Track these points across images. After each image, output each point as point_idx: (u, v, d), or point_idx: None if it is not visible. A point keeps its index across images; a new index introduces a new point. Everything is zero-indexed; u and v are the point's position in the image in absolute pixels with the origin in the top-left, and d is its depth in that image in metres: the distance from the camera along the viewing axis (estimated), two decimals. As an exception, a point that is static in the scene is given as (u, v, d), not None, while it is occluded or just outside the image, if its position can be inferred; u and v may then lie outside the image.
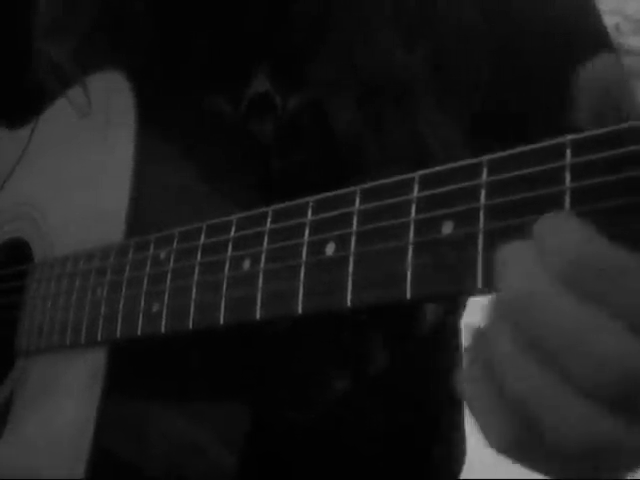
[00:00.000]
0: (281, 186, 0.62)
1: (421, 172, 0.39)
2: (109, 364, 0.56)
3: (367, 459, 0.69)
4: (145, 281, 0.53)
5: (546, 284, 0.32)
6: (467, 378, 0.35)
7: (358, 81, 0.61)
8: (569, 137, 0.33)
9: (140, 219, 0.58)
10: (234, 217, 0.48)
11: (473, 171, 0.37)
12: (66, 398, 0.60)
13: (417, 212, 0.38)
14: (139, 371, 0.57)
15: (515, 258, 0.33)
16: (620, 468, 0.34)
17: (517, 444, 0.34)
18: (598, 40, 0.65)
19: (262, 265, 0.45)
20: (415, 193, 0.39)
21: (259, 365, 0.61)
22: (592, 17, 0.65)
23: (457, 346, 0.74)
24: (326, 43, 0.61)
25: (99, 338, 0.56)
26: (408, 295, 0.38)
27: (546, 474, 0.35)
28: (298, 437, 0.65)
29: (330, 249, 0.41)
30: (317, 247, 0.42)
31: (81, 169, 0.65)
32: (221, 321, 0.47)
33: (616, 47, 0.67)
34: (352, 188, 0.41)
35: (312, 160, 0.62)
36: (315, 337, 0.62)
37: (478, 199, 0.36)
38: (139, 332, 0.53)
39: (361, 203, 0.41)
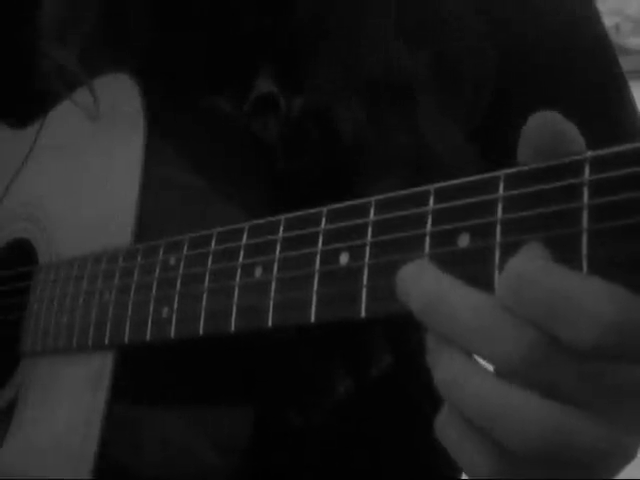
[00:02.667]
0: (286, 187, 0.62)
1: (437, 185, 0.39)
2: (115, 367, 0.56)
3: (370, 460, 0.69)
4: (154, 286, 0.53)
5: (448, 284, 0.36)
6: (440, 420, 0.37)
7: (361, 83, 0.61)
8: (588, 154, 0.34)
9: (148, 222, 0.58)
10: (246, 224, 0.48)
11: (490, 185, 0.37)
12: (71, 400, 0.60)
13: (433, 224, 0.38)
14: (144, 375, 0.57)
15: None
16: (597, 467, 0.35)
17: (498, 472, 0.35)
18: (597, 44, 0.65)
19: (274, 273, 0.45)
20: (431, 205, 0.39)
21: (263, 370, 0.61)
22: (592, 20, 0.66)
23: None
24: (329, 44, 0.61)
25: (107, 342, 0.56)
26: None
27: None
28: (302, 441, 0.65)
29: (344, 259, 0.42)
30: (331, 256, 0.42)
31: (88, 171, 0.65)
32: (232, 328, 0.47)
33: (615, 48, 0.67)
34: (366, 199, 0.42)
35: (316, 161, 0.62)
36: (317, 339, 0.62)
37: (495, 213, 0.36)
38: (148, 337, 0.53)
39: (376, 214, 0.41)
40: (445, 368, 0.36)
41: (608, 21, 0.69)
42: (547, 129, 0.35)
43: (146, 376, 0.57)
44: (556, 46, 0.63)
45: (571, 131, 0.35)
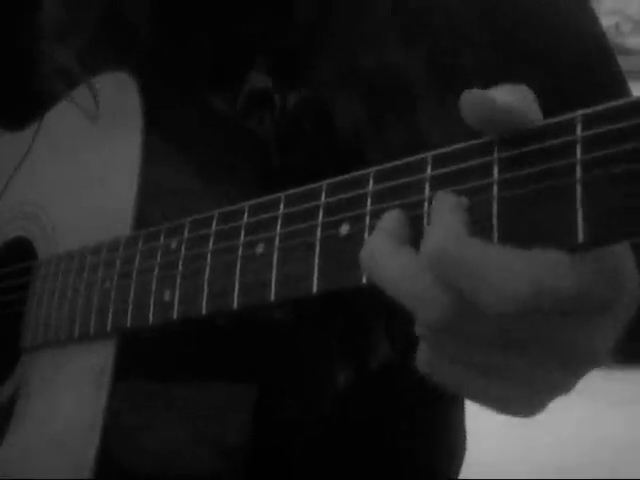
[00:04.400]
0: (282, 183, 0.63)
1: (433, 152, 0.40)
2: (116, 364, 0.57)
3: (371, 455, 0.69)
4: (156, 270, 0.53)
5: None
6: None
7: (359, 81, 0.62)
8: (580, 112, 0.35)
9: (146, 218, 0.58)
10: (245, 204, 0.49)
11: (485, 149, 0.38)
12: (71, 398, 0.60)
13: (431, 189, 0.40)
14: (145, 372, 0.57)
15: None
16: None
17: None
18: (594, 43, 0.66)
19: (276, 247, 0.46)
20: (429, 172, 0.40)
21: (263, 363, 0.61)
22: (587, 17, 0.67)
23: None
24: (326, 42, 0.62)
25: (109, 328, 0.56)
26: None
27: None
28: (302, 435, 0.66)
29: (345, 229, 0.43)
30: (331, 227, 0.43)
31: (86, 168, 0.66)
32: (235, 305, 0.48)
33: (611, 46, 0.68)
34: (365, 170, 0.43)
35: (313, 158, 0.63)
36: (317, 331, 0.63)
37: (491, 174, 0.37)
38: (150, 321, 0.53)
39: (375, 184, 0.42)
40: None
41: (608, 21, 0.70)
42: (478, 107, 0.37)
43: (147, 373, 0.57)
44: (552, 44, 0.64)
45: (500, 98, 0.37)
